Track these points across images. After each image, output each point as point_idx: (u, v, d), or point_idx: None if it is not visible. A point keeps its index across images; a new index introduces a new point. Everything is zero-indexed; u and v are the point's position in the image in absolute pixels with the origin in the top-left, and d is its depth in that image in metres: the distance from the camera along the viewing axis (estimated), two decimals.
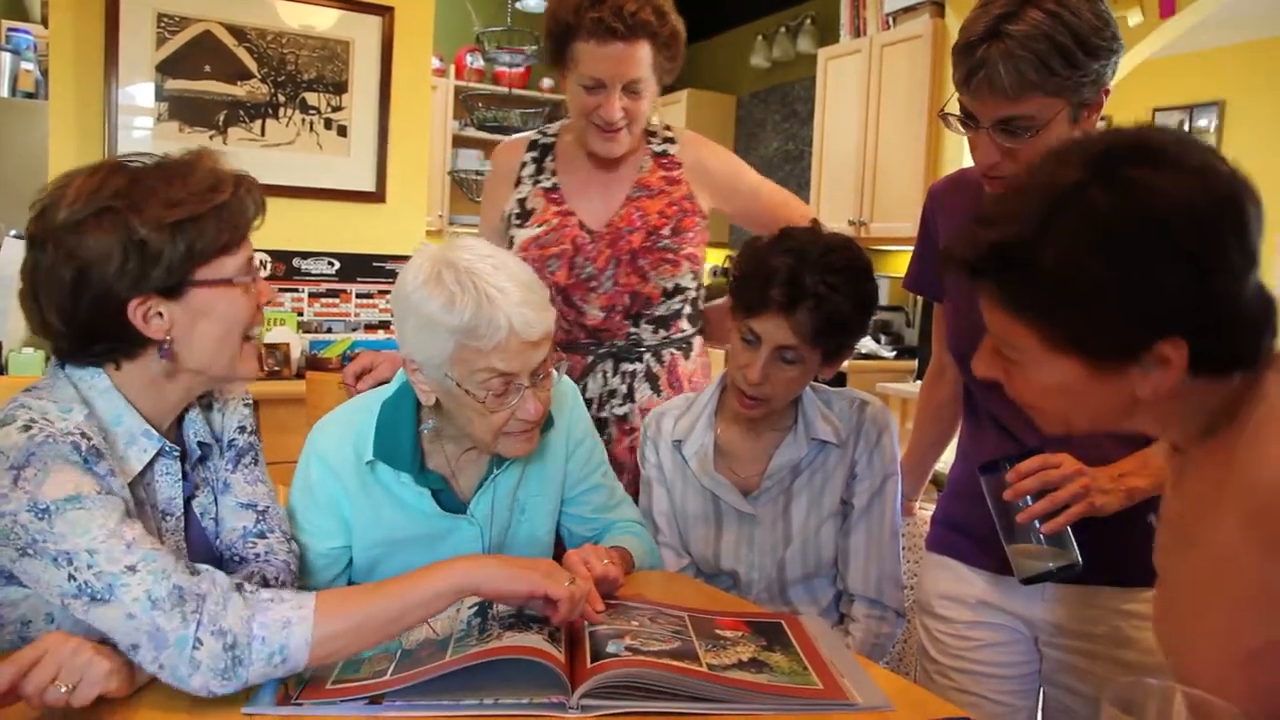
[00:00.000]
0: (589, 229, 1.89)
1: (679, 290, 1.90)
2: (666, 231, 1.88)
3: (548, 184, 1.95)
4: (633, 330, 1.91)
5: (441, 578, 1.12)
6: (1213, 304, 0.85)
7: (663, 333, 1.93)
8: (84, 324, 1.14)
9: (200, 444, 1.30)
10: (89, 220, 1.11)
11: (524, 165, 1.98)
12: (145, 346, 1.17)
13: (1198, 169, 0.86)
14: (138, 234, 1.11)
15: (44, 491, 1.03)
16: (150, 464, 1.20)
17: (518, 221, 1.93)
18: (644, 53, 1.78)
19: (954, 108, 1.38)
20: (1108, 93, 1.31)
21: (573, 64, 1.81)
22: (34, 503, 1.02)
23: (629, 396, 1.90)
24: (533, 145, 2.00)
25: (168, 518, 1.23)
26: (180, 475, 1.24)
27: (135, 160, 1.18)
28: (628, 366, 1.91)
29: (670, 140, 1.99)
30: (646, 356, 1.92)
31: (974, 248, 0.93)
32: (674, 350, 1.95)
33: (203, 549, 1.28)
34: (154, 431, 1.19)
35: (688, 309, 1.94)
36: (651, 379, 1.92)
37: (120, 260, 1.11)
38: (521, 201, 1.95)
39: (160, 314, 1.15)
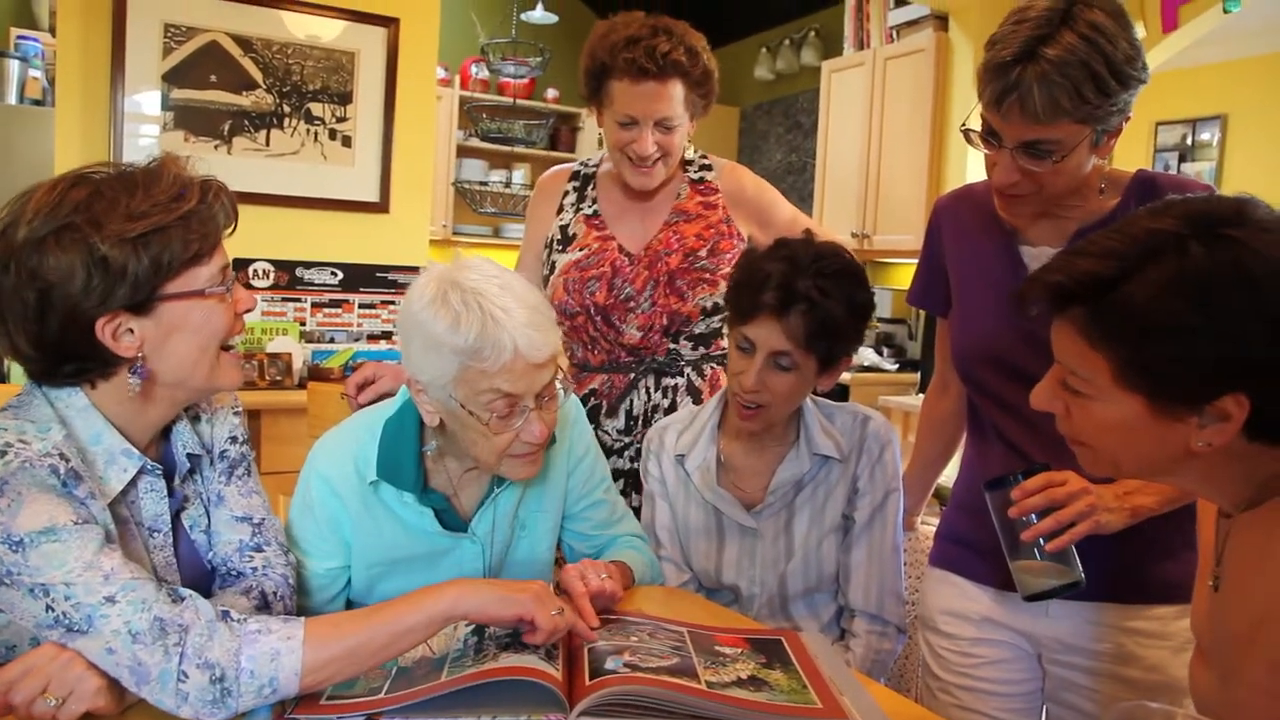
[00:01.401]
0: (628, 252, 1.95)
1: (718, 309, 1.94)
2: (704, 253, 1.93)
3: (589, 211, 2.02)
4: (672, 346, 1.95)
5: (433, 604, 1.11)
6: None
7: (702, 349, 1.98)
8: (52, 345, 1.10)
9: (190, 456, 1.27)
10: (49, 239, 1.06)
11: (566, 194, 2.06)
12: (118, 365, 1.13)
13: None
14: (99, 251, 1.06)
15: (18, 523, 1.00)
16: (134, 481, 1.17)
17: (560, 247, 2.00)
18: (676, 91, 1.85)
19: (974, 122, 1.37)
20: (1128, 120, 1.31)
21: (609, 101, 1.88)
22: (8, 534, 1.00)
23: (672, 410, 1.92)
24: (575, 175, 2.08)
25: (155, 534, 1.20)
26: (166, 491, 1.22)
27: (98, 171, 1.14)
28: (669, 381, 1.95)
29: (708, 168, 2.05)
30: (688, 370, 1.96)
31: (1069, 274, 0.97)
32: (715, 365, 1.99)
33: (193, 563, 1.26)
34: (134, 450, 1.16)
35: (726, 326, 1.96)
36: (694, 393, 1.95)
37: (84, 279, 1.06)
38: (564, 228, 2.01)
39: (131, 330, 1.11)
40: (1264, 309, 0.88)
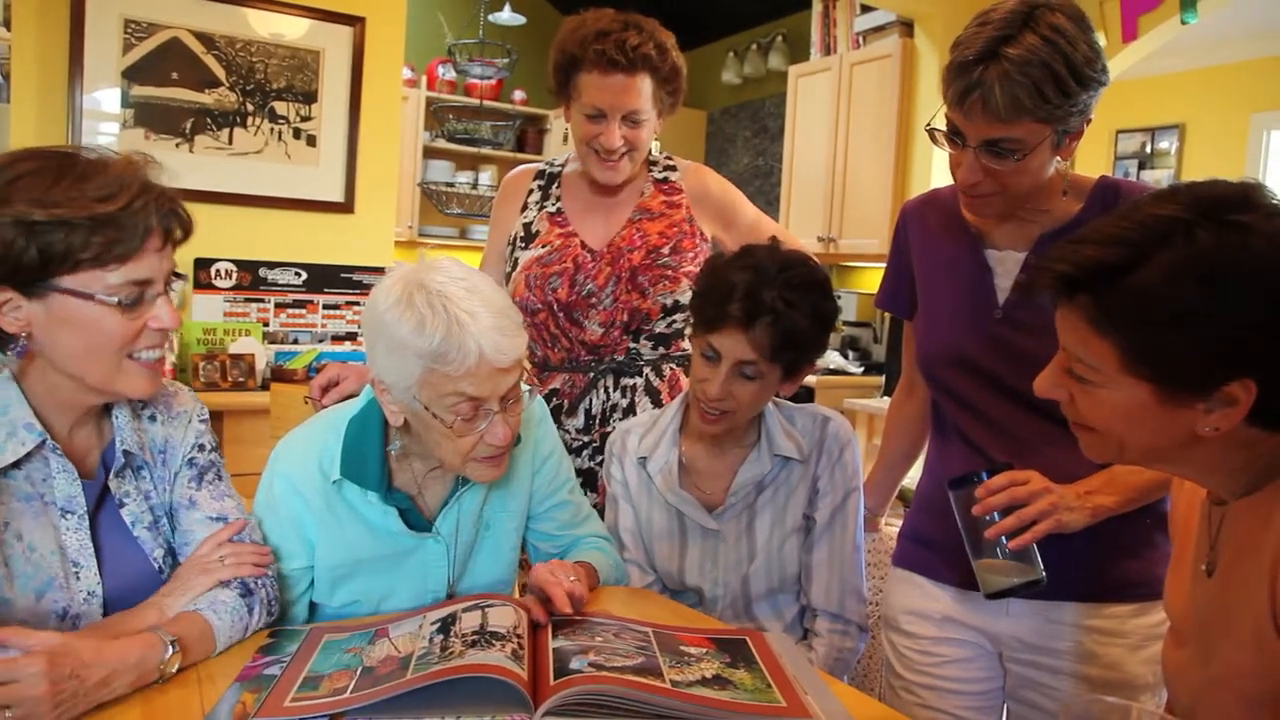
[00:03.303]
0: (590, 249, 1.95)
1: (679, 307, 1.94)
2: (666, 250, 1.94)
3: (552, 209, 2.02)
4: (632, 345, 1.95)
5: None
6: None
7: (662, 349, 1.98)
8: None
9: (125, 453, 1.26)
10: None
11: (531, 192, 2.06)
12: (8, 339, 1.15)
13: None
14: None
15: None
16: (45, 460, 1.18)
17: (523, 244, 2.00)
18: (645, 85, 1.86)
19: (940, 122, 1.39)
20: (1089, 122, 1.33)
21: (576, 94, 1.89)
22: None
23: (630, 410, 1.93)
24: (540, 174, 2.08)
25: (68, 515, 1.20)
26: (76, 475, 1.21)
27: (59, 151, 1.14)
28: (628, 381, 1.95)
29: (672, 168, 2.05)
30: (646, 370, 1.96)
31: (1074, 262, 0.97)
32: (674, 365, 1.99)
33: (130, 558, 1.25)
34: (35, 425, 1.17)
35: (689, 328, 1.96)
36: (652, 393, 1.95)
37: None
38: (527, 225, 2.01)
39: (19, 308, 1.12)
40: (1272, 294, 0.88)
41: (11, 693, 0.96)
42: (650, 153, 2.02)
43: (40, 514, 1.18)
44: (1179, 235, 0.90)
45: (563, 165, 2.08)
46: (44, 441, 1.18)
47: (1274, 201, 0.92)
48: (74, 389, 1.20)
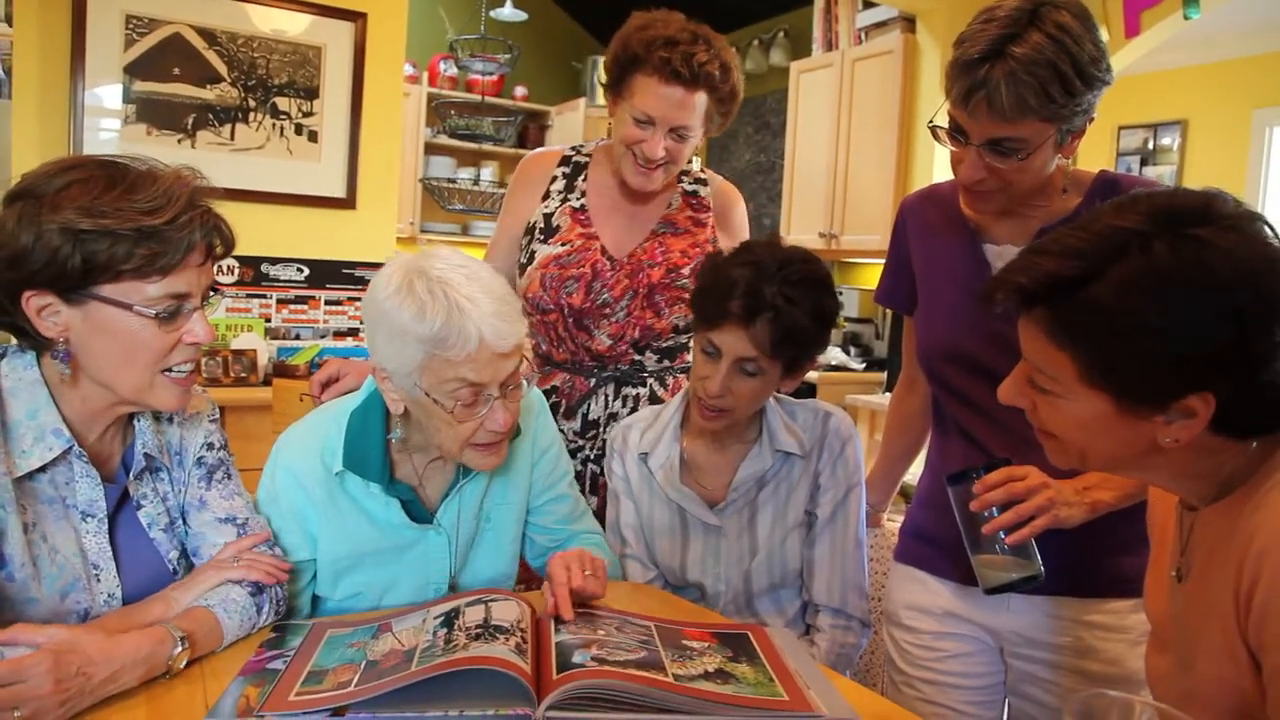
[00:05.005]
0: (611, 256, 1.91)
1: (690, 328, 1.91)
2: (686, 271, 1.90)
3: (576, 203, 1.96)
4: (637, 358, 1.93)
5: None
6: (1249, 367, 0.89)
7: (666, 362, 1.96)
8: None
9: (146, 455, 1.28)
10: (16, 201, 1.12)
11: (554, 179, 1.99)
12: (47, 343, 1.16)
13: (1258, 238, 0.90)
14: (39, 229, 1.10)
15: None
16: (70, 465, 1.19)
17: (541, 236, 1.94)
18: (700, 102, 1.81)
19: (942, 119, 1.39)
20: (1091, 120, 1.33)
21: (629, 93, 1.82)
22: None
23: None
24: (565, 160, 2.01)
25: (88, 519, 1.21)
26: (99, 480, 1.22)
27: (113, 160, 1.17)
28: (630, 390, 1.93)
29: (702, 183, 2.01)
30: (650, 381, 1.94)
31: (1031, 276, 0.96)
32: (678, 375, 1.97)
33: (148, 560, 1.27)
34: (64, 431, 1.18)
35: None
36: (656, 402, 1.92)
37: (22, 248, 1.10)
38: (548, 216, 1.95)
39: (59, 314, 1.14)
40: (1229, 308, 0.87)
41: (18, 694, 0.97)
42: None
43: (62, 517, 1.19)
44: (1134, 248, 0.90)
45: (589, 155, 2.03)
46: (70, 447, 1.19)
47: (1235, 212, 0.91)
48: (107, 398, 1.21)
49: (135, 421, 1.28)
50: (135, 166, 1.17)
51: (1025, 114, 1.26)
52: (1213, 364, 0.88)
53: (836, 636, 1.63)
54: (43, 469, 1.17)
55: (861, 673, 1.82)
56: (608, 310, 1.89)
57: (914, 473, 1.79)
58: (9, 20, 3.74)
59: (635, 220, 1.96)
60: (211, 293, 1.24)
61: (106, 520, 1.23)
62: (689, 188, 2.00)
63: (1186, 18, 3.41)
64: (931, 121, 1.42)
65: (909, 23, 4.40)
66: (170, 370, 1.21)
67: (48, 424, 1.17)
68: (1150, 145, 5.65)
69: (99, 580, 1.20)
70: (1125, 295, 0.89)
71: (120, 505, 1.26)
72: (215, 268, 1.25)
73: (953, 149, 1.38)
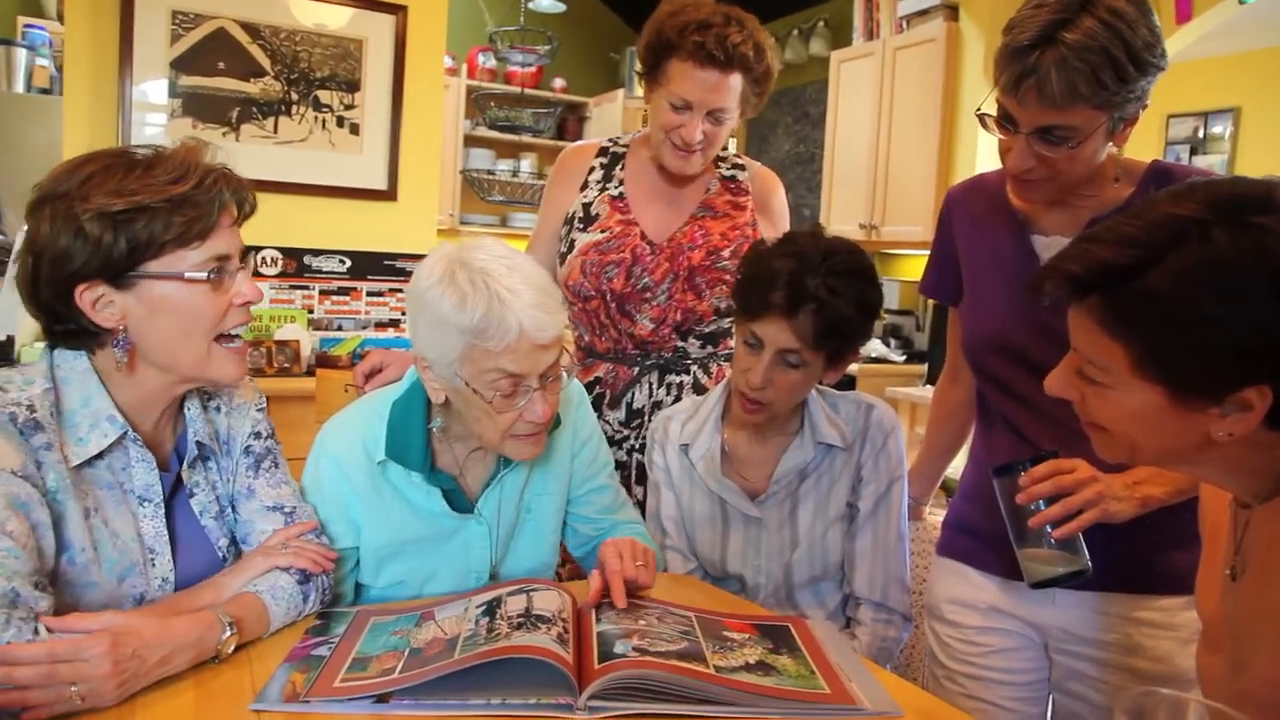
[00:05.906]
0: (650, 240, 1.92)
1: (732, 311, 1.90)
2: (727, 254, 1.91)
3: (614, 192, 1.97)
4: (679, 344, 1.93)
5: None
6: None
7: (710, 348, 1.96)
8: (45, 306, 1.17)
9: (198, 443, 1.30)
10: (44, 206, 1.13)
11: (592, 170, 2.01)
12: (105, 335, 1.17)
13: None
14: (77, 224, 1.11)
15: None
16: (125, 450, 1.21)
17: (581, 225, 1.95)
18: (736, 84, 1.82)
19: (990, 107, 1.36)
20: (1145, 107, 1.30)
21: (664, 79, 1.83)
22: None
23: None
24: (603, 151, 2.03)
25: (145, 504, 1.23)
26: (154, 464, 1.24)
27: (126, 151, 1.19)
28: (674, 378, 1.93)
29: (740, 168, 2.02)
30: (694, 369, 1.94)
31: (1084, 264, 0.94)
32: (722, 362, 1.97)
33: (200, 546, 1.29)
34: (118, 418, 1.19)
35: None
36: (700, 390, 1.93)
37: (64, 247, 1.12)
38: (587, 206, 1.97)
39: (113, 303, 1.16)
40: None
41: (78, 671, 0.99)
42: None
43: (120, 502, 1.21)
44: (1193, 236, 0.87)
45: (626, 145, 2.03)
46: (125, 433, 1.21)
47: None
48: (164, 381, 1.23)
49: (185, 410, 1.30)
50: (143, 151, 1.20)
51: (1076, 102, 1.23)
52: (1271, 356, 0.86)
53: (878, 630, 1.62)
54: (100, 456, 1.19)
55: (902, 667, 1.81)
56: (649, 294, 1.89)
57: (955, 467, 1.77)
58: (60, 19, 3.82)
59: (674, 205, 1.96)
60: (245, 254, 1.26)
61: (163, 505, 1.25)
62: (726, 172, 2.01)
63: (1241, 2, 3.33)
64: (979, 109, 1.40)
65: (952, 10, 4.34)
66: (226, 338, 1.23)
67: (102, 411, 1.19)
68: (1200, 134, 5.54)
69: (154, 565, 1.23)
70: (1183, 284, 0.87)
71: (174, 493, 1.28)
72: (259, 259, 1.27)
73: (1001, 137, 1.36)
